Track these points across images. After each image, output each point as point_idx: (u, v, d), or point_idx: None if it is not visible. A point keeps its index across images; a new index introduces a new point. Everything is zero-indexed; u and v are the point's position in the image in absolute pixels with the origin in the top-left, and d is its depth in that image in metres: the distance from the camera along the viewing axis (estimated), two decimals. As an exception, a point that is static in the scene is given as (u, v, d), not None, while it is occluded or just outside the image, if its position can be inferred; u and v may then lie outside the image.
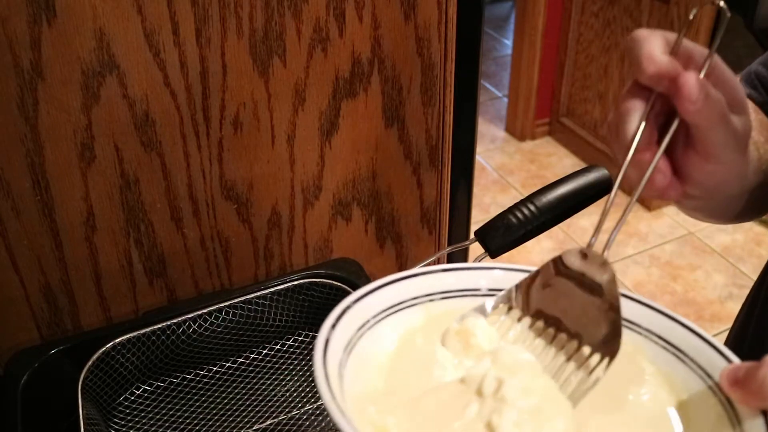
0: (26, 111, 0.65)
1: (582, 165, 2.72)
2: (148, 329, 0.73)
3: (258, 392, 0.79)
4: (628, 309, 0.43)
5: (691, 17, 0.41)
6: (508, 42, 3.77)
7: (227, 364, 0.81)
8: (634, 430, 0.40)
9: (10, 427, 0.65)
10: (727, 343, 0.73)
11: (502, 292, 0.44)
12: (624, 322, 0.42)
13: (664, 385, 0.41)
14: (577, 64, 2.67)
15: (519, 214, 0.70)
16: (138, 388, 0.76)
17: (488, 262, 0.47)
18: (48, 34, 0.63)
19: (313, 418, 0.76)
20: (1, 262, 0.72)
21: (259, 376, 0.80)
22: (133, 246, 0.78)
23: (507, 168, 2.78)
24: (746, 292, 0.71)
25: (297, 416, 0.76)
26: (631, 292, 0.44)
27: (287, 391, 0.79)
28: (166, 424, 0.74)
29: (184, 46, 0.69)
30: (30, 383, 0.69)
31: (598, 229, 0.41)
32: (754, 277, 0.69)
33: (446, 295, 0.45)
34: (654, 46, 0.39)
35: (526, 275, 0.44)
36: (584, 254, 0.42)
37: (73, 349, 0.72)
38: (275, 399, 0.78)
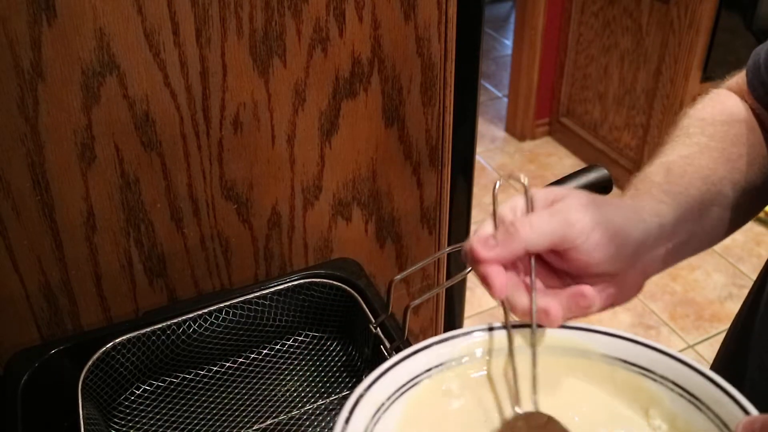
0: (26, 111, 0.65)
1: (582, 165, 2.72)
2: (148, 329, 0.73)
3: (258, 392, 0.79)
4: (644, 356, 0.43)
5: (495, 188, 0.43)
6: (508, 42, 3.77)
7: (227, 364, 0.81)
8: None
9: (10, 426, 0.65)
10: (723, 347, 0.72)
11: None
12: (641, 370, 0.43)
13: None
14: (577, 64, 2.67)
15: (519, 214, 0.70)
16: (138, 388, 0.76)
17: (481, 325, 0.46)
18: (48, 35, 0.63)
19: (313, 418, 0.76)
20: (1, 262, 0.72)
21: (259, 376, 0.80)
22: (133, 246, 0.78)
23: (507, 168, 2.78)
24: (746, 292, 0.71)
25: (297, 416, 0.76)
26: (648, 340, 0.43)
27: (287, 391, 0.79)
28: (166, 424, 0.74)
29: (184, 46, 0.69)
30: (30, 383, 0.69)
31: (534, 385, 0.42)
32: (754, 277, 0.69)
33: (457, 362, 0.44)
34: (485, 227, 0.43)
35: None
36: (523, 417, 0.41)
37: (73, 349, 0.72)
38: (275, 399, 0.78)
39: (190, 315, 0.75)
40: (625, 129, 2.52)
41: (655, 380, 0.42)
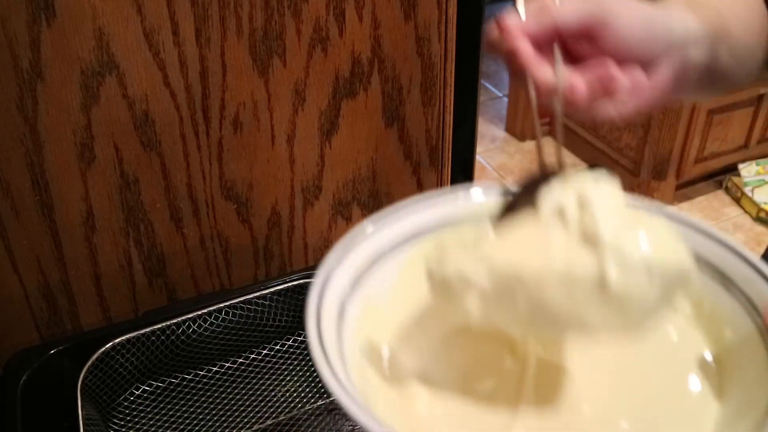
0: (25, 111, 0.65)
1: (582, 165, 2.72)
2: (147, 329, 0.73)
3: (258, 392, 0.78)
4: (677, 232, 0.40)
5: None
6: (508, 42, 3.77)
7: (227, 365, 0.80)
8: (656, 367, 0.37)
9: (9, 427, 0.65)
10: None
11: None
12: None
13: (702, 328, 0.38)
14: (577, 64, 2.67)
15: (519, 214, 0.70)
16: (137, 389, 0.76)
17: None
18: (47, 34, 0.63)
19: (313, 418, 0.76)
20: (0, 262, 0.71)
21: (259, 376, 0.80)
22: (133, 246, 0.78)
23: (507, 168, 2.78)
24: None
25: (297, 416, 0.76)
26: (681, 213, 0.40)
27: (287, 391, 0.79)
28: (166, 425, 0.74)
29: (184, 45, 0.69)
30: (30, 383, 0.69)
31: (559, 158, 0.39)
32: (755, 277, 0.68)
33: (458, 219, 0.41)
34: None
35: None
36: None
37: (72, 349, 0.72)
38: (275, 399, 0.78)
39: (190, 315, 0.75)
40: (625, 129, 2.52)
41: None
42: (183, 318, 0.74)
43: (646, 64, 0.43)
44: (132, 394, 0.76)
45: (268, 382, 0.80)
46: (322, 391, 0.78)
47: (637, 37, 0.42)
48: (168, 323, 0.74)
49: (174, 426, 0.74)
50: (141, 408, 0.75)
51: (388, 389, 0.36)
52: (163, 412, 0.75)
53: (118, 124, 0.70)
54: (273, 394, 0.78)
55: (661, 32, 0.43)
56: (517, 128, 2.94)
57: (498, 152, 2.89)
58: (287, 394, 0.78)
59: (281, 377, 0.80)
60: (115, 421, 0.73)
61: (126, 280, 0.80)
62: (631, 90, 0.42)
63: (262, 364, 0.81)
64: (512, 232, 0.34)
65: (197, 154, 0.75)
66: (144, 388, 0.77)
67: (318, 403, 0.77)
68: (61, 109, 0.67)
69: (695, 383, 0.37)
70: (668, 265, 0.30)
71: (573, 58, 0.43)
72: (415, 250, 0.40)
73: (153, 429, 0.74)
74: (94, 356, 0.69)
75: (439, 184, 0.93)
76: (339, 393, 0.28)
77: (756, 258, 0.37)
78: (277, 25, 0.72)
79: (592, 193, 0.33)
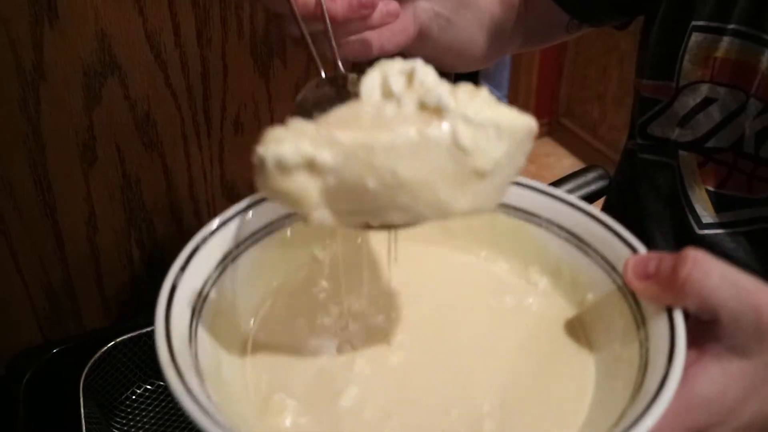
0: (28, 111, 0.66)
1: (581, 165, 2.72)
2: (149, 328, 0.73)
3: (259, 391, 0.79)
4: (528, 199, 0.39)
5: None
6: (508, 42, 3.77)
7: (228, 364, 0.81)
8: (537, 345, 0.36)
9: (12, 426, 0.65)
10: None
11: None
12: (525, 215, 0.39)
13: (564, 295, 0.38)
14: (576, 65, 2.67)
15: (518, 214, 0.70)
16: (140, 387, 0.77)
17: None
18: (50, 35, 0.63)
19: (313, 417, 0.76)
20: (3, 262, 0.72)
21: (260, 375, 0.80)
22: (135, 246, 0.78)
23: (506, 168, 2.78)
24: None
25: (298, 415, 0.76)
26: (530, 180, 0.39)
27: (288, 390, 0.79)
28: (167, 423, 0.74)
29: (185, 46, 0.69)
30: (32, 383, 0.69)
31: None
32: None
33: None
34: None
35: None
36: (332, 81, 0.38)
37: (74, 348, 0.73)
38: (276, 398, 0.78)
39: (191, 314, 0.75)
40: (624, 129, 2.53)
41: (539, 225, 0.39)
42: (184, 317, 0.75)
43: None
44: (134, 393, 0.76)
45: (269, 381, 0.80)
46: (323, 390, 0.79)
47: None
48: (169, 322, 0.74)
49: (176, 425, 0.74)
50: (143, 407, 0.76)
51: (250, 405, 0.34)
52: (165, 410, 0.76)
53: (120, 125, 0.70)
54: (274, 393, 0.79)
55: None
56: (517, 128, 2.94)
57: (497, 152, 2.89)
58: (288, 393, 0.79)
59: (282, 376, 0.80)
60: (118, 419, 0.74)
61: (128, 280, 0.80)
62: (385, 14, 0.44)
63: (263, 364, 0.81)
64: (341, 116, 0.31)
65: (198, 155, 0.76)
66: (146, 387, 0.77)
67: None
68: (64, 109, 0.67)
69: (565, 344, 0.36)
70: (512, 122, 0.29)
71: None
72: (268, 241, 0.38)
73: (155, 428, 0.74)
74: (97, 355, 0.70)
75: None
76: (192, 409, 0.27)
77: (609, 218, 0.36)
78: (278, 25, 0.72)
79: (415, 67, 0.31)
